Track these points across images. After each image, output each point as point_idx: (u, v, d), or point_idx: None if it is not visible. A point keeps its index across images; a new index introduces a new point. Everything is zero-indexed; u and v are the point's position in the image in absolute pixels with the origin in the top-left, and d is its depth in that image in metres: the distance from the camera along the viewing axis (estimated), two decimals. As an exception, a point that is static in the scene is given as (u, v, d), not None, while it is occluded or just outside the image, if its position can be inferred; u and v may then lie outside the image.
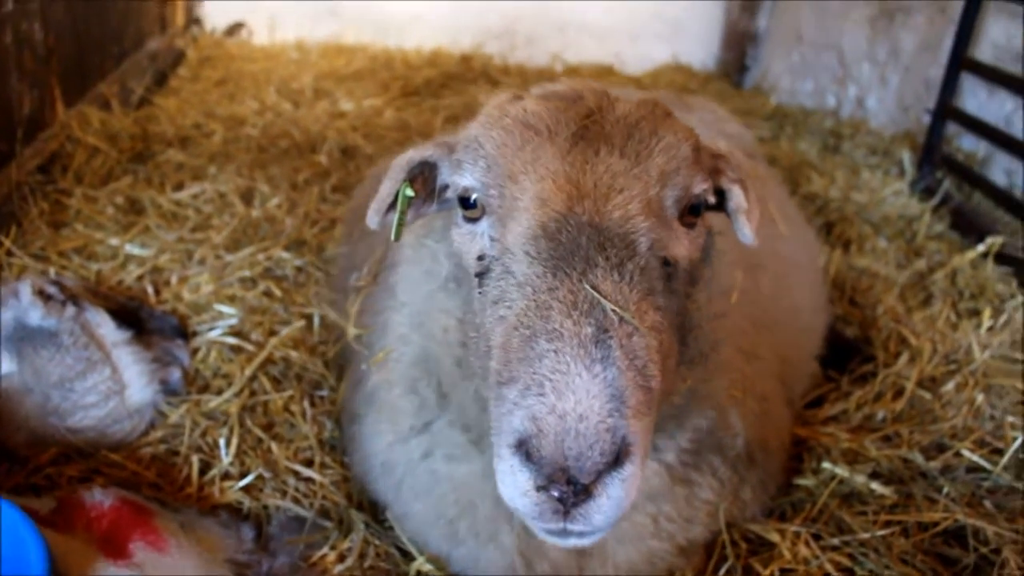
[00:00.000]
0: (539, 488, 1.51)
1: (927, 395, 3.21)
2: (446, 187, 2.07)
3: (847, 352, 3.54)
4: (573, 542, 1.68)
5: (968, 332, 3.56)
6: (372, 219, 2.09)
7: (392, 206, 2.07)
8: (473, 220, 1.89)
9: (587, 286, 1.60)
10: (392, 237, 2.09)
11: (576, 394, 1.48)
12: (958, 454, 2.93)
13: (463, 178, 1.89)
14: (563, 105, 1.87)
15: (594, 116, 1.83)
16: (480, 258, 1.85)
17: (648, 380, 1.58)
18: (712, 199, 1.97)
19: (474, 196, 1.87)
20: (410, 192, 2.04)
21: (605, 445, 1.46)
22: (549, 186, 1.73)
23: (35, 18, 4.41)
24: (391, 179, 2.07)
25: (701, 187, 1.88)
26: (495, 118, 1.89)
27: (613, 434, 1.47)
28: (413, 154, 2.08)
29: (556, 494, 1.50)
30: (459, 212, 1.93)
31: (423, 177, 2.10)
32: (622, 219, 1.70)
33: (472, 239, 1.89)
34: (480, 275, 1.84)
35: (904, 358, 3.42)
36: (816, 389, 3.34)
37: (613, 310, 1.59)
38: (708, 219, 2.02)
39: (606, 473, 1.50)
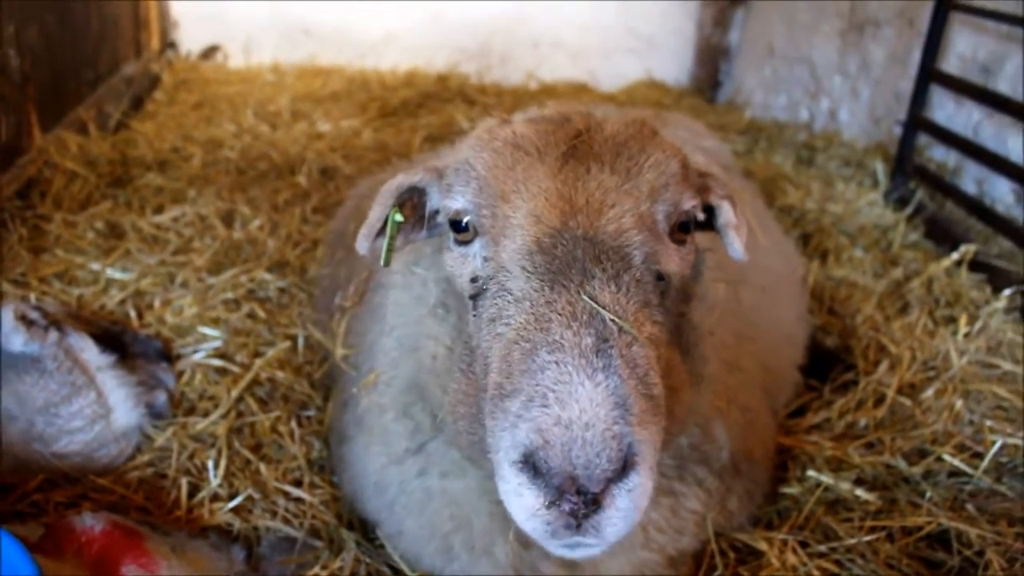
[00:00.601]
0: (549, 505, 1.52)
1: (907, 402, 3.26)
2: (436, 212, 2.08)
3: (828, 361, 3.59)
4: (580, 553, 1.71)
5: (945, 339, 3.62)
6: (362, 244, 2.09)
7: (381, 231, 2.08)
8: (465, 243, 1.90)
9: (585, 297, 1.62)
10: (382, 263, 2.10)
11: (580, 403, 1.49)
12: (940, 459, 2.97)
13: (454, 201, 1.90)
14: (551, 127, 1.90)
15: (583, 136, 1.87)
16: (474, 280, 1.87)
17: (650, 388, 1.60)
18: (701, 216, 2.00)
19: (466, 219, 1.88)
20: (399, 217, 2.05)
21: (612, 452, 1.47)
22: (542, 203, 1.76)
23: (10, 44, 4.40)
24: (380, 204, 2.07)
25: (690, 203, 1.90)
26: (485, 141, 1.91)
27: (619, 440, 1.48)
28: (402, 179, 2.08)
29: (567, 508, 1.51)
30: (451, 236, 1.93)
31: (412, 202, 2.11)
32: (616, 232, 1.74)
33: (464, 261, 1.90)
34: (474, 296, 1.85)
35: (884, 366, 3.47)
36: (799, 398, 3.38)
37: (612, 320, 1.61)
38: (696, 237, 2.06)
39: (613, 484, 1.51)
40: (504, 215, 1.80)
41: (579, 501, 1.50)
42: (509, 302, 1.71)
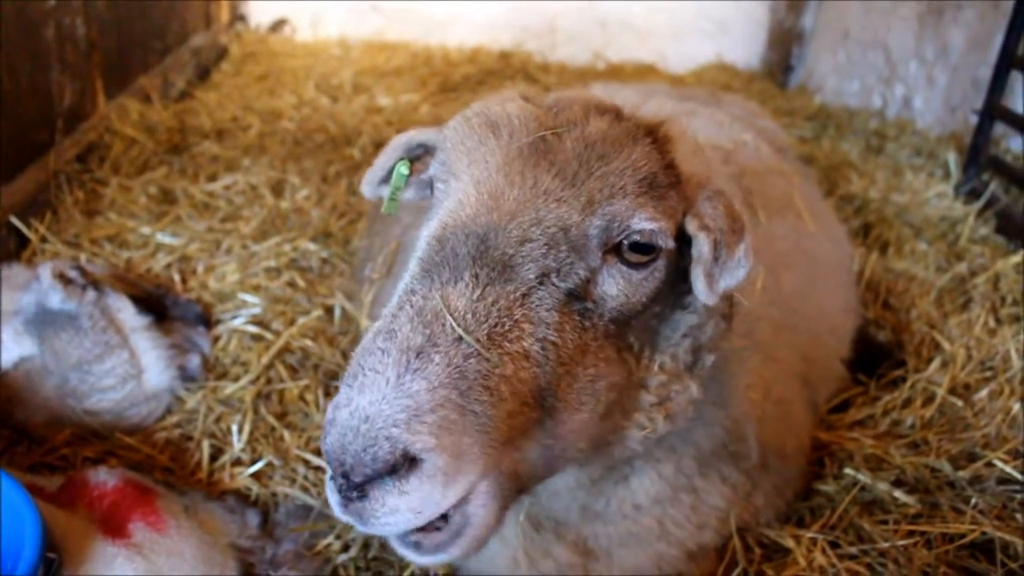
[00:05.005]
0: (332, 476, 1.54)
1: (959, 402, 3.10)
2: None
3: (878, 356, 3.43)
4: (427, 559, 1.70)
5: (1007, 338, 3.42)
6: (365, 188, 2.17)
7: (387, 181, 2.11)
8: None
9: (437, 296, 1.57)
10: (383, 209, 2.12)
11: (373, 395, 1.46)
12: (990, 464, 2.81)
13: (431, 167, 1.91)
14: (542, 113, 1.82)
15: (560, 129, 1.77)
16: None
17: (470, 402, 1.52)
18: (670, 243, 1.76)
19: (436, 185, 1.88)
20: (405, 170, 2.06)
21: (380, 452, 1.43)
22: (472, 192, 1.71)
23: (77, 13, 4.50)
24: (386, 155, 2.12)
25: (646, 224, 1.70)
26: (472, 114, 1.88)
27: (392, 443, 1.43)
28: (413, 135, 2.10)
29: (335, 485, 1.52)
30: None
31: (428, 159, 2.09)
32: (518, 240, 1.64)
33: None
34: None
35: (936, 363, 3.30)
36: (843, 393, 3.24)
37: (453, 327, 1.55)
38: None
39: (387, 479, 1.47)
40: (446, 193, 1.79)
41: (344, 484, 1.49)
42: (401, 279, 1.69)
